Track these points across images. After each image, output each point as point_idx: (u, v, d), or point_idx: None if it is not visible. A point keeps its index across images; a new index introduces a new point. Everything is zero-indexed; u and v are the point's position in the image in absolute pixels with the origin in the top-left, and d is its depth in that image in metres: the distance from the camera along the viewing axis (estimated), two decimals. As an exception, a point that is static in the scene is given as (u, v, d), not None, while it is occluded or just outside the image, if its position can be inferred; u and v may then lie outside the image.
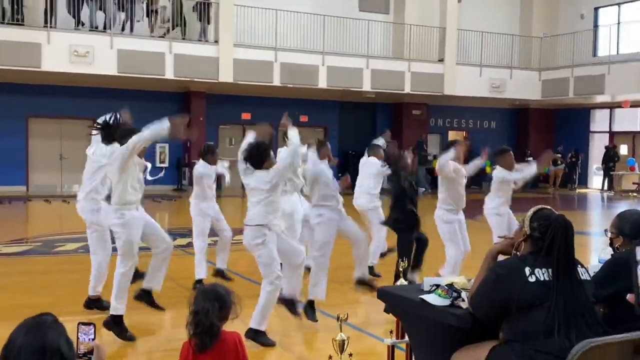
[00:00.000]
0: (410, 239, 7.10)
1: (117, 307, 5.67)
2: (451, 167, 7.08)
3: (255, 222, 5.58)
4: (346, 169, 23.60)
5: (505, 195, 7.63)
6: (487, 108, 25.23)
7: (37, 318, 2.23)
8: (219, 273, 7.80)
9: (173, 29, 18.77)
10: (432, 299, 3.51)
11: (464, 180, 7.32)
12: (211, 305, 3.14)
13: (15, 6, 16.94)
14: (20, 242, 10.71)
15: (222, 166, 8.37)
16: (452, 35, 22.05)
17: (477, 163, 7.91)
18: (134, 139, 5.46)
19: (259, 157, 5.65)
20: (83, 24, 17.70)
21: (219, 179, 8.20)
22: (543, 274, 3.08)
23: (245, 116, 22.02)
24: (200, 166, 7.84)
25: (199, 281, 7.45)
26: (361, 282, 6.86)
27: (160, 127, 5.55)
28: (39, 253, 9.75)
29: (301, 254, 5.92)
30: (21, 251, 9.94)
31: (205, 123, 20.68)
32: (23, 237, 11.25)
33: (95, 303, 6.53)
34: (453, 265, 7.12)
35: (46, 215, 15.54)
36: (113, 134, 6.06)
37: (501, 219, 7.59)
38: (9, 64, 16.37)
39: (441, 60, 22.05)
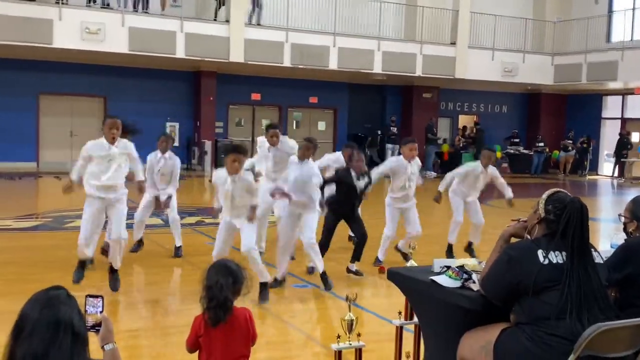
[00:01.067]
0: (333, 222, 7.27)
1: None
2: (386, 170, 8.01)
3: None
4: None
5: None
6: (499, 92, 25.07)
7: (50, 292, 2.23)
8: None
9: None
10: (443, 280, 3.51)
11: (410, 176, 7.87)
12: (225, 280, 3.17)
13: (27, -18, 16.89)
14: (31, 217, 10.77)
15: None
16: (464, 18, 21.85)
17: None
18: None
19: None
20: (95, 1, 17.64)
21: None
22: (557, 256, 3.06)
23: (255, 96, 22.00)
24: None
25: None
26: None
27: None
28: (49, 228, 9.82)
29: None
30: (31, 226, 10.01)
31: (215, 102, 20.67)
32: (33, 213, 11.32)
33: None
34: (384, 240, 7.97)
35: (56, 191, 15.54)
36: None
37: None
38: (20, 40, 16.36)
39: (453, 44, 21.88)
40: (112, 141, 6.18)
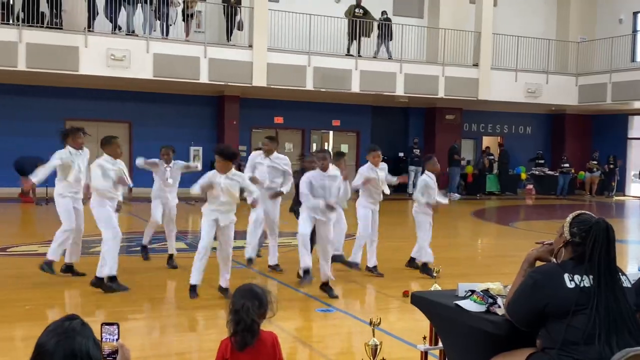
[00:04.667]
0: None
1: None
2: (361, 181, 8.51)
3: None
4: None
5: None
6: (523, 113, 24.92)
7: (65, 323, 2.23)
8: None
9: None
10: (468, 304, 3.46)
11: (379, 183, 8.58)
12: (251, 303, 3.17)
13: (55, 10, 17.26)
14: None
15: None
16: (487, 39, 21.84)
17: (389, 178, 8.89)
18: None
19: None
20: (120, 28, 17.96)
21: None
22: (583, 280, 3.01)
23: (278, 120, 22.12)
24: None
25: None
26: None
27: None
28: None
29: None
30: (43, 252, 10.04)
31: (238, 126, 20.82)
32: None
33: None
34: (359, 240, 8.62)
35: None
36: None
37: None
38: (47, 67, 16.68)
39: (476, 65, 21.86)
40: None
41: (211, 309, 6.75)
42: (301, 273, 7.60)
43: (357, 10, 20.59)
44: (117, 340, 2.47)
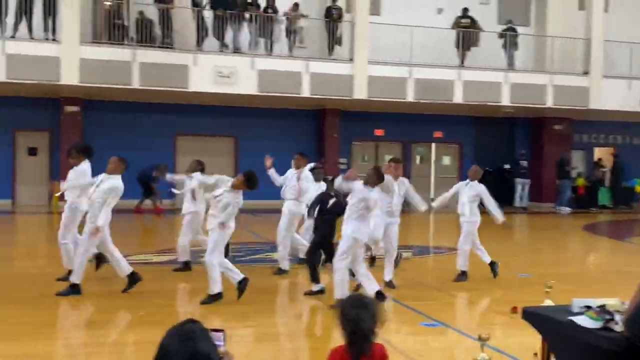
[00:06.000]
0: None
1: None
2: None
3: None
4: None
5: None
6: (638, 123, 23.61)
7: (186, 326, 2.31)
8: None
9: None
10: (583, 320, 3.31)
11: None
12: (365, 313, 3.17)
13: (166, 31, 18.14)
14: (169, 252, 11.32)
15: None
16: (597, 46, 20.91)
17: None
18: None
19: None
20: (227, 46, 18.60)
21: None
22: None
23: (379, 132, 22.10)
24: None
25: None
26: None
27: None
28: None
29: None
30: (167, 260, 10.51)
31: (338, 139, 20.97)
32: (171, 247, 11.88)
33: None
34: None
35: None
36: None
37: None
38: (159, 84, 17.54)
39: (586, 73, 20.97)
40: None
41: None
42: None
43: (463, 20, 20.34)
44: (223, 346, 2.53)
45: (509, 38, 20.63)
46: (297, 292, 8.32)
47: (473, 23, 20.37)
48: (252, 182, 7.35)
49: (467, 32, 20.11)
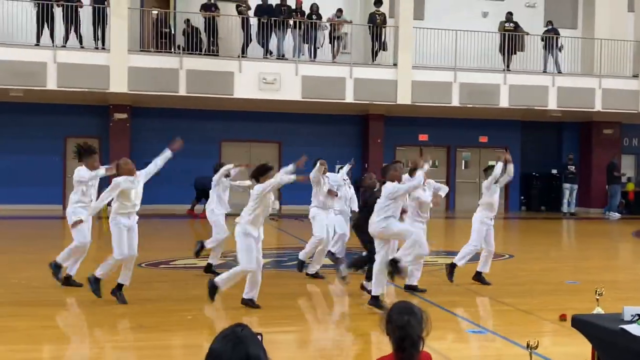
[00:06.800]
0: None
1: None
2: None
3: None
4: (528, 191, 22.65)
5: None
6: (690, 126, 22.94)
7: (237, 329, 2.34)
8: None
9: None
10: (635, 329, 3.24)
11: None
12: (414, 319, 3.16)
13: (212, 38, 18.42)
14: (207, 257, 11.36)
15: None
16: (648, 48, 20.42)
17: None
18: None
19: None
20: (271, 53, 18.78)
21: None
22: None
23: (422, 137, 21.96)
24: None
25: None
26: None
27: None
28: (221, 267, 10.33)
29: None
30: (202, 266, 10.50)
31: (382, 144, 20.93)
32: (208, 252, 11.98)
33: None
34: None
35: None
36: None
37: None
38: (205, 92, 17.82)
39: (636, 76, 20.48)
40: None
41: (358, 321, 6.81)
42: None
43: (507, 24, 20.11)
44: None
45: (550, 40, 20.28)
46: (328, 297, 8.33)
47: (517, 27, 20.11)
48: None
49: (511, 35, 19.86)
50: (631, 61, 20.64)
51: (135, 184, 7.43)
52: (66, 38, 17.28)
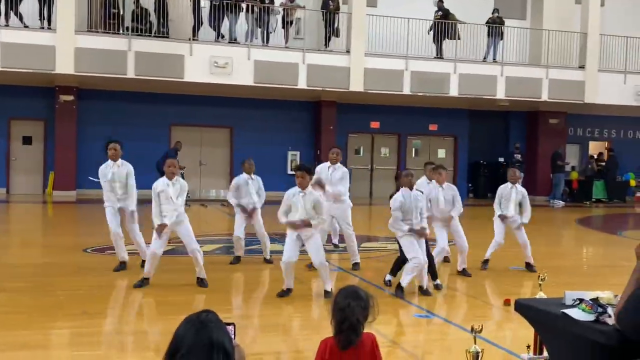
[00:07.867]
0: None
1: None
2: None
3: None
4: (476, 179, 23.10)
5: None
6: (633, 117, 23.68)
7: (202, 316, 2.32)
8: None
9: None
10: (576, 313, 3.33)
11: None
12: (356, 303, 3.19)
13: (162, 20, 18.07)
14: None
15: None
16: (594, 40, 20.94)
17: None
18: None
19: None
20: (223, 37, 18.54)
21: None
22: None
23: (374, 125, 22.11)
24: None
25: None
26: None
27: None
28: (181, 253, 10.25)
29: None
30: (165, 250, 10.45)
31: (335, 131, 20.97)
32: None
33: None
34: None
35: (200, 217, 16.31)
36: None
37: None
38: (154, 74, 17.48)
39: (582, 67, 21.00)
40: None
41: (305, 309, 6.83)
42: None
43: (436, 13, 20.27)
44: (233, 339, 2.55)
45: (494, 29, 20.56)
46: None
47: (447, 16, 20.14)
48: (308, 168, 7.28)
49: (443, 24, 19.96)
50: (577, 52, 21.15)
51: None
52: (7, 16, 16.70)
